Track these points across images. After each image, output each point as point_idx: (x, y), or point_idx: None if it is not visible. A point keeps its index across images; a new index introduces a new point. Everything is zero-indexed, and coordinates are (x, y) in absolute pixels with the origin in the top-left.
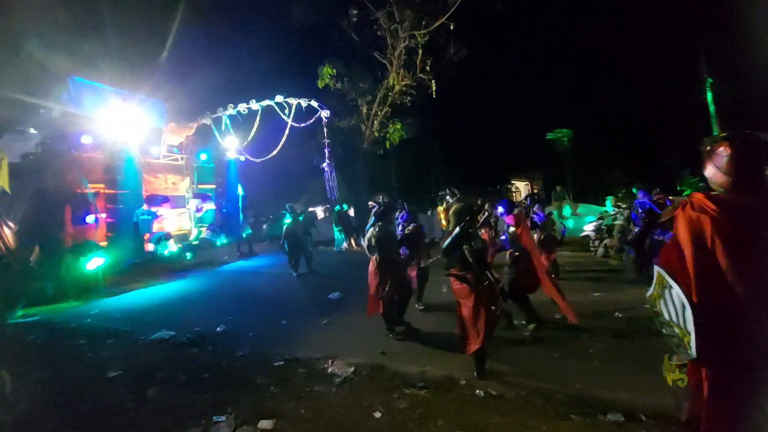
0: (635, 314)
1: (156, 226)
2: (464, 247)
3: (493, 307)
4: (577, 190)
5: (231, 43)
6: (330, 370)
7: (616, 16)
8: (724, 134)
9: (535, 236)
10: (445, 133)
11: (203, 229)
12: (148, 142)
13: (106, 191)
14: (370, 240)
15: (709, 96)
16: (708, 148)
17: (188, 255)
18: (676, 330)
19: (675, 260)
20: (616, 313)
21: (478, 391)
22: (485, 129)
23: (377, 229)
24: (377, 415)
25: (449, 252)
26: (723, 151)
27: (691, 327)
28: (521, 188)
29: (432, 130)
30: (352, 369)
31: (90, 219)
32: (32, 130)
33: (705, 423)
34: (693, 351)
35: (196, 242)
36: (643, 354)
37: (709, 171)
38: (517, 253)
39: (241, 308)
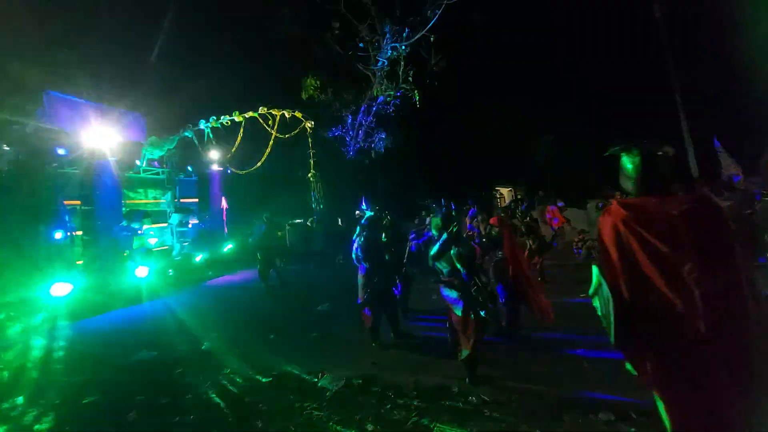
0: None
1: (137, 243)
2: (451, 253)
3: (482, 312)
4: (559, 194)
5: (213, 54)
6: (321, 384)
7: (591, 23)
8: (628, 144)
9: (529, 242)
10: (430, 141)
11: (185, 245)
12: (127, 157)
13: (83, 208)
14: (356, 250)
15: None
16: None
17: (170, 272)
18: (604, 322)
19: (603, 259)
20: None
21: (471, 397)
22: (469, 136)
23: (362, 240)
24: (370, 427)
25: (437, 258)
26: (631, 160)
27: (612, 318)
28: (505, 194)
29: (417, 139)
30: (344, 382)
31: (62, 237)
32: (5, 147)
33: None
34: (612, 338)
35: (179, 258)
36: None
37: (621, 177)
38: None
39: (227, 324)
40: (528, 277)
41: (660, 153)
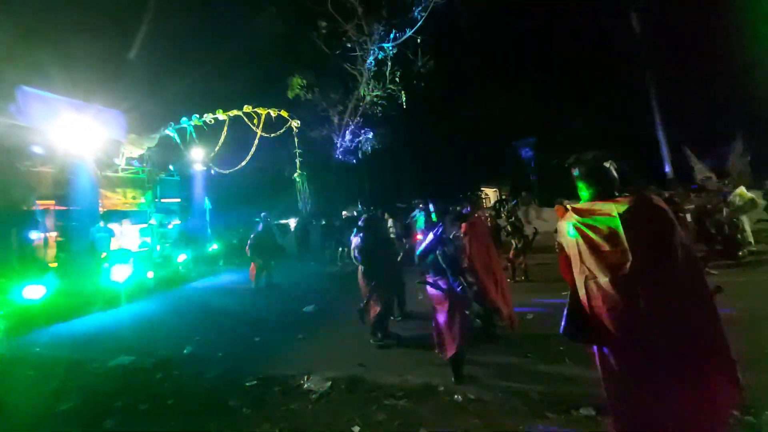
0: None
1: (115, 245)
2: (437, 253)
3: (467, 312)
4: (542, 195)
5: (197, 51)
6: (306, 386)
7: (578, 28)
8: (574, 158)
9: (515, 242)
10: (417, 142)
11: (166, 246)
12: (105, 155)
13: (58, 208)
14: (354, 250)
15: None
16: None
17: (151, 273)
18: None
19: (560, 258)
20: None
21: (456, 396)
22: (456, 138)
23: (360, 240)
24: (356, 429)
25: (423, 258)
26: (575, 171)
27: (565, 310)
28: (491, 195)
29: (404, 140)
30: (329, 383)
31: (35, 238)
32: None
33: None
34: (561, 328)
35: (160, 260)
36: None
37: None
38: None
39: (210, 327)
40: (490, 287)
41: (601, 163)
